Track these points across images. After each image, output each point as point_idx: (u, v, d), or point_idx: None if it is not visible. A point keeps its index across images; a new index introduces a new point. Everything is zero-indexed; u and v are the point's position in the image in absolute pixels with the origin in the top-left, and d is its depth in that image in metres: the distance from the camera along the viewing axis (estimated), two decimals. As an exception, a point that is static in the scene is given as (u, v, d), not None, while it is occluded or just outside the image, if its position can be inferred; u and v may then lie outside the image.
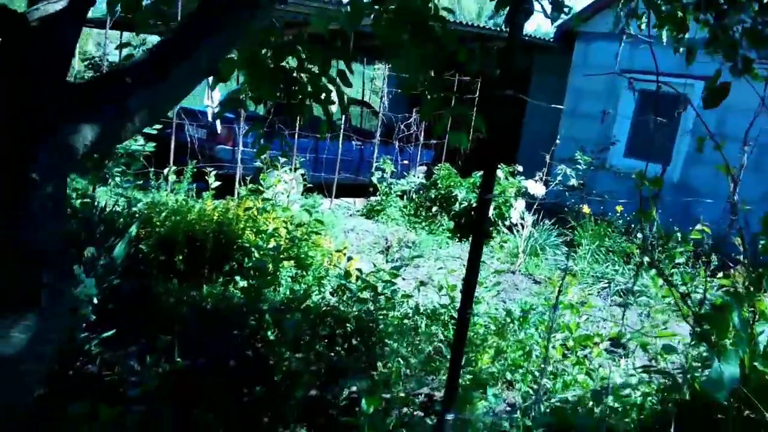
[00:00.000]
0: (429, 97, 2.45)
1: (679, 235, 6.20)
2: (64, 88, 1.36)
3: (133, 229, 4.62)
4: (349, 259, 4.50)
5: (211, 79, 6.58)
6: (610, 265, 6.63)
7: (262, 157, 6.83)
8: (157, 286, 4.42)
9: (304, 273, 4.80)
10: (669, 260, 6.27)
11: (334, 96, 2.91)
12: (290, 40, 2.47)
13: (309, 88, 2.81)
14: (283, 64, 2.76)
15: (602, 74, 8.23)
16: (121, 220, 4.88)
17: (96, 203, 5.02)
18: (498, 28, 10.51)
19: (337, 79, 2.58)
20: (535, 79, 11.48)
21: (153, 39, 8.86)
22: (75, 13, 1.36)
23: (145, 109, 1.45)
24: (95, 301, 3.19)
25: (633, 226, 7.32)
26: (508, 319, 4.45)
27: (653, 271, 6.30)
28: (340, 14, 2.13)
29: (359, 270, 4.14)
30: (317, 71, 2.69)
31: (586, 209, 7.40)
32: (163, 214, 4.87)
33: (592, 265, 6.66)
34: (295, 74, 2.75)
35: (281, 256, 4.41)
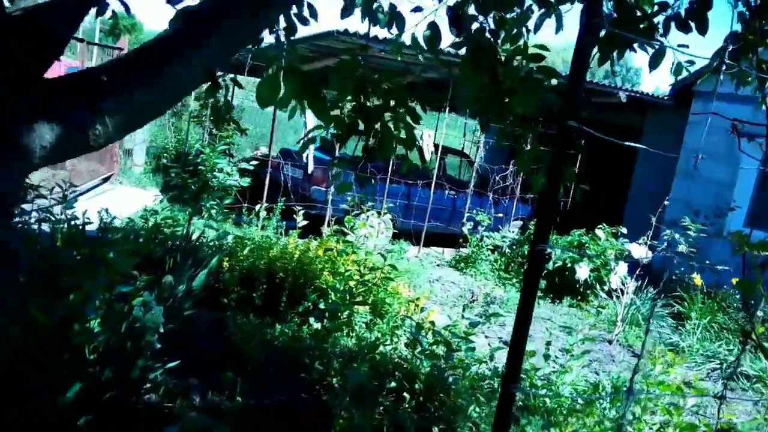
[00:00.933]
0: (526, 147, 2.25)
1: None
2: (34, 84, 1.25)
3: (215, 261, 4.68)
4: (422, 310, 4.26)
5: (309, 121, 6.68)
6: (723, 345, 5.89)
7: (348, 199, 6.84)
8: (232, 319, 4.40)
9: (379, 320, 4.61)
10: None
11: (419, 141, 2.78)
12: (377, 77, 2.36)
13: (391, 128, 2.70)
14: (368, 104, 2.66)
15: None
16: (207, 250, 4.96)
17: (187, 233, 5.17)
18: (611, 85, 10.11)
19: (419, 127, 2.44)
20: (647, 139, 10.83)
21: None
22: (67, 6, 1.27)
23: (122, 113, 1.30)
24: (161, 329, 3.17)
25: (752, 302, 6.51)
26: (597, 395, 3.99)
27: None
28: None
29: (432, 323, 3.90)
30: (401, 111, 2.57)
31: (697, 280, 6.70)
32: (247, 249, 4.90)
33: (702, 342, 5.95)
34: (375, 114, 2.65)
35: (356, 300, 4.26)
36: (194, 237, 5.15)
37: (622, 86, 9.69)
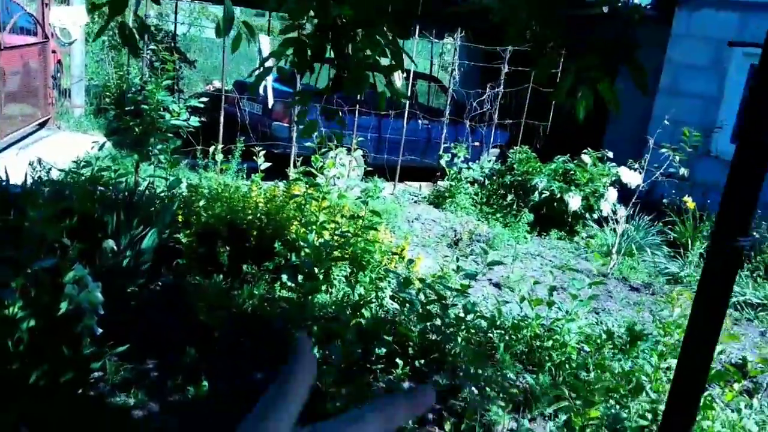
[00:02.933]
0: (545, 47, 1.64)
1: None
2: None
3: (168, 216, 4.03)
4: (410, 262, 3.74)
5: (264, 48, 5.81)
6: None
7: (314, 135, 6.16)
8: (192, 284, 3.81)
9: (361, 273, 4.09)
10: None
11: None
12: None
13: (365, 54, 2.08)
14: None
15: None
16: (158, 203, 4.30)
17: (131, 184, 4.47)
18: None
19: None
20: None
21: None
22: None
23: None
24: (101, 310, 2.57)
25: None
26: (610, 344, 3.59)
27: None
28: None
29: (421, 280, 3.38)
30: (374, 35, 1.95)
31: (690, 203, 6.33)
32: (203, 201, 4.25)
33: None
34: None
35: (333, 255, 3.71)
36: (141, 188, 4.47)
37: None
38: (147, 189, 4.45)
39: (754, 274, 5.76)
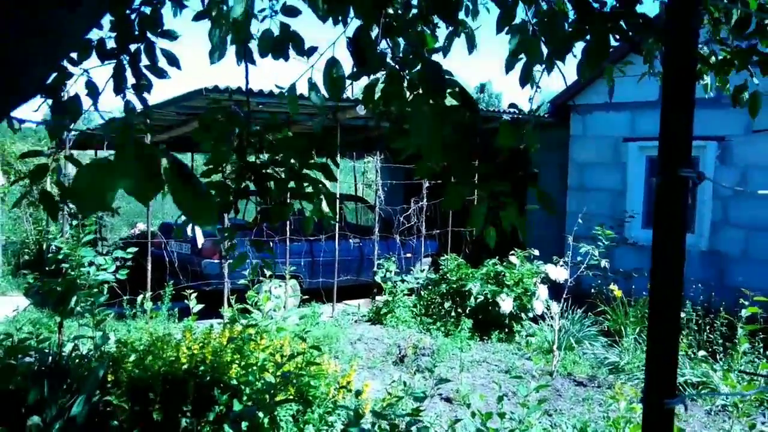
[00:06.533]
0: (457, 185, 1.78)
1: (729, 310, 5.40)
2: None
3: (96, 379, 3.81)
4: (358, 394, 3.68)
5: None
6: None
7: (246, 271, 6.14)
8: (126, 448, 3.55)
9: (309, 410, 3.94)
10: (730, 347, 5.45)
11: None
12: (257, 130, 1.83)
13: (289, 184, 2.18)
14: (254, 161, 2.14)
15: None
16: (85, 366, 4.07)
17: (55, 347, 4.24)
18: (495, 110, 10.19)
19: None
20: (535, 158, 11.01)
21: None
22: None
23: None
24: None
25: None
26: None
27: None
28: (316, 88, 1.51)
29: (373, 412, 3.31)
30: (297, 167, 2.06)
31: (617, 291, 6.62)
32: (133, 356, 4.07)
33: (640, 356, 5.79)
34: (269, 170, 2.13)
35: (277, 397, 3.59)
36: (67, 350, 4.23)
37: (497, 109, 9.82)
38: (73, 350, 4.22)
39: (689, 352, 5.98)
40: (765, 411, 4.93)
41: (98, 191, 0.86)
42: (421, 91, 1.43)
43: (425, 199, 8.91)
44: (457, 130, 1.45)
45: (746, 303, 5.09)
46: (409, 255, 9.16)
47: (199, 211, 0.98)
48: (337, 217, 7.76)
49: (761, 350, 5.60)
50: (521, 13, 1.99)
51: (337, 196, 8.26)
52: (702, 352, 5.46)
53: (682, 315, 6.21)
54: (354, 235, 8.78)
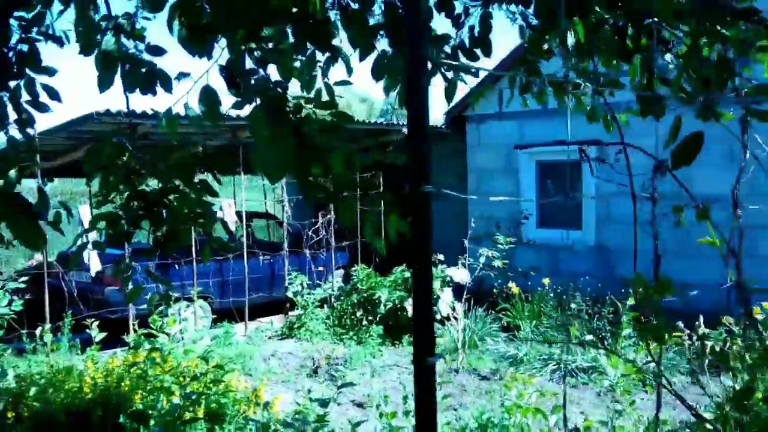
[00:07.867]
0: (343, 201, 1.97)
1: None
2: None
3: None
4: (266, 406, 3.78)
5: (84, 218, 5.72)
6: (555, 346, 6.22)
7: (148, 296, 6.05)
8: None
9: (219, 426, 3.99)
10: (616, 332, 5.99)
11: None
12: (146, 158, 1.94)
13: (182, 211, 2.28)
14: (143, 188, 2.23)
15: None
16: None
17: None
18: (389, 123, 10.53)
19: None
20: (437, 166, 11.48)
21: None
22: None
23: None
24: None
25: (564, 297, 7.05)
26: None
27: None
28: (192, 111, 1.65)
29: (281, 422, 3.44)
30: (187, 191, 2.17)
31: (514, 288, 7.07)
32: (33, 390, 3.96)
33: (536, 347, 6.22)
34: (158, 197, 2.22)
35: (184, 413, 3.62)
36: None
37: (398, 122, 10.18)
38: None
39: (580, 338, 6.49)
40: (645, 390, 5.46)
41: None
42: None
43: (333, 213, 9.08)
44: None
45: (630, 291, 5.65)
46: (321, 268, 9.29)
47: (32, 239, 1.12)
48: (243, 234, 7.72)
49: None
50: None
51: (243, 213, 8.28)
52: (590, 337, 5.95)
53: (573, 306, 6.75)
54: (264, 252, 8.80)
